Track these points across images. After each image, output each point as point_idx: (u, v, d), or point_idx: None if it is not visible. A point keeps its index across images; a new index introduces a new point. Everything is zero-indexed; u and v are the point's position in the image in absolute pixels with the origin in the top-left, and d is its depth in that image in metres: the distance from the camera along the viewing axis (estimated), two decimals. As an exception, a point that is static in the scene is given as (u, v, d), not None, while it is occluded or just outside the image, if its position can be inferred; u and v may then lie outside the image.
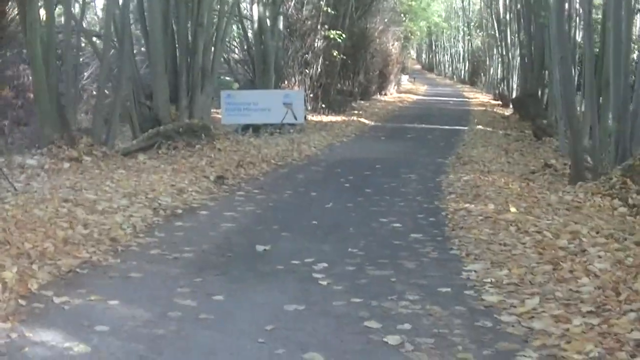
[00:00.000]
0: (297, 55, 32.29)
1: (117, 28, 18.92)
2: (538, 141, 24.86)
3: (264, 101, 25.17)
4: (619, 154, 15.82)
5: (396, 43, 54.32)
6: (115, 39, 19.13)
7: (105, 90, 19.45)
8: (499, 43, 50.04)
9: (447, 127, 30.65)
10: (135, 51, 23.98)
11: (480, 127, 30.06)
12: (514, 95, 42.40)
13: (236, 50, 34.32)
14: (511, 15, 43.86)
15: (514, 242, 9.54)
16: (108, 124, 18.02)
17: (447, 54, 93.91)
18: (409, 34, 64.93)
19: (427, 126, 30.76)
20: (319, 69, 33.43)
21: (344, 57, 34.84)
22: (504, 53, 46.38)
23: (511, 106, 40.77)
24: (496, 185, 14.67)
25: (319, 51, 33.34)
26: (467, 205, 12.44)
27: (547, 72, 31.66)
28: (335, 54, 33.69)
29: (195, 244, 9.30)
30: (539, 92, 32.30)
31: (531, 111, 30.84)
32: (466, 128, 30.19)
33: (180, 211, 11.51)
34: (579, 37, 25.26)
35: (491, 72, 61.36)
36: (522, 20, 36.41)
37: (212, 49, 22.29)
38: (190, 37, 21.70)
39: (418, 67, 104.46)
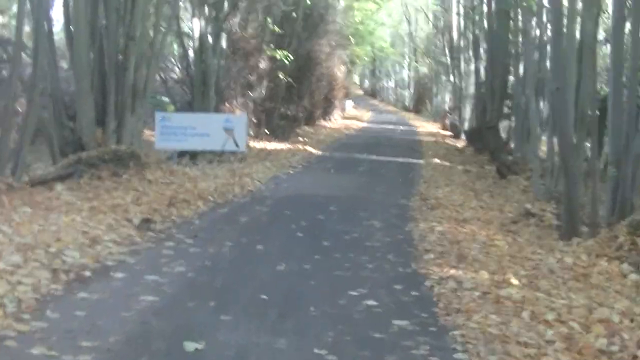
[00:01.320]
0: (240, 76, 29.60)
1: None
2: (502, 179, 22.48)
3: (202, 125, 22.51)
4: (617, 204, 13.43)
5: (342, 67, 51.95)
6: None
7: (18, 108, 16.65)
8: (450, 70, 47.88)
9: (400, 159, 28.14)
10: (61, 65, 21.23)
11: (436, 160, 27.59)
12: (466, 126, 40.27)
13: (174, 68, 31.43)
14: (465, 42, 41.70)
15: (537, 340, 7.00)
16: (17, 150, 15.18)
17: (391, 80, 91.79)
18: (355, 58, 62.63)
19: (379, 158, 28.21)
20: (263, 92, 30.77)
21: (290, 80, 32.17)
22: (456, 81, 44.17)
23: (464, 137, 38.62)
24: (478, 240, 12.24)
25: (263, 72, 30.68)
26: (453, 271, 9.94)
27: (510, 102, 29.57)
28: (281, 76, 31.02)
29: (99, 336, 6.55)
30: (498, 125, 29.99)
31: (490, 144, 28.49)
32: (421, 161, 27.71)
33: (88, 273, 8.73)
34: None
35: (438, 100, 59.29)
36: (480, 47, 34.17)
37: (146, 66, 19.48)
38: (120, 52, 18.90)
39: (360, 92, 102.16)
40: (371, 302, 8.29)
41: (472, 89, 40.51)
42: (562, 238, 13.33)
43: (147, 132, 25.61)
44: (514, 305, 8.17)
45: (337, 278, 9.47)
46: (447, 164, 26.80)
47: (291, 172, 22.27)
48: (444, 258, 10.83)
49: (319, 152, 29.30)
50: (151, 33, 20.59)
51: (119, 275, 8.82)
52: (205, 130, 22.31)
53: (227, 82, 28.54)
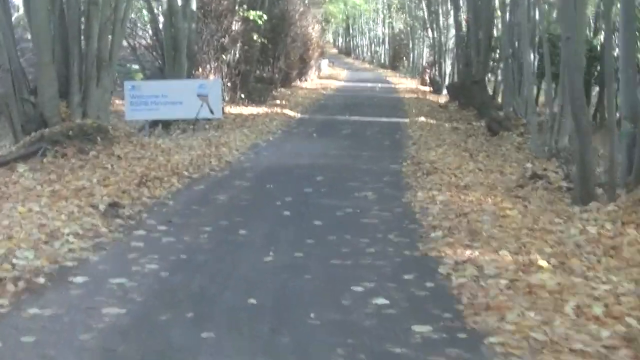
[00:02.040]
0: (213, 39, 27.94)
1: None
2: (494, 136, 21.08)
3: (174, 93, 21.09)
4: (635, 163, 12.02)
5: (316, 26, 50.34)
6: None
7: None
8: (427, 25, 46.35)
9: (384, 119, 26.70)
10: (17, 35, 19.64)
11: (422, 119, 26.11)
12: (447, 81, 38.86)
13: (144, 35, 29.72)
14: (443, -7, 40.25)
15: (594, 346, 5.60)
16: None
17: (366, 38, 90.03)
18: (329, 17, 60.99)
19: (362, 118, 26.72)
20: (237, 55, 29.16)
21: (264, 41, 30.53)
22: (435, 36, 42.65)
23: (445, 93, 37.22)
24: (487, 210, 10.76)
25: (237, 35, 29.05)
26: (468, 252, 8.50)
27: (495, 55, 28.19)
28: (255, 37, 29.39)
29: (47, 373, 5.12)
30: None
31: (476, 100, 27.06)
32: (406, 120, 26.26)
33: (42, 279, 7.23)
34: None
35: (415, 56, 57.77)
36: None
37: (110, 32, 17.87)
38: (83, 19, 17.30)
39: (335, 51, 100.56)
40: (381, 301, 6.86)
41: (451, 43, 39.11)
42: (576, 202, 11.95)
43: (117, 103, 24.18)
44: (551, 297, 6.76)
45: (336, 269, 8.03)
46: (433, 122, 25.36)
47: (271, 138, 20.81)
48: (453, 235, 9.39)
49: (298, 115, 27.81)
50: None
51: (79, 280, 7.33)
52: (177, 98, 20.97)
53: (199, 46, 26.91)
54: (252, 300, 6.78)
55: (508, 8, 23.73)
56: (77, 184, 12.02)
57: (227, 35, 28.40)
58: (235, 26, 28.78)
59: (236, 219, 10.43)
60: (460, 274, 7.69)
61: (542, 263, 7.89)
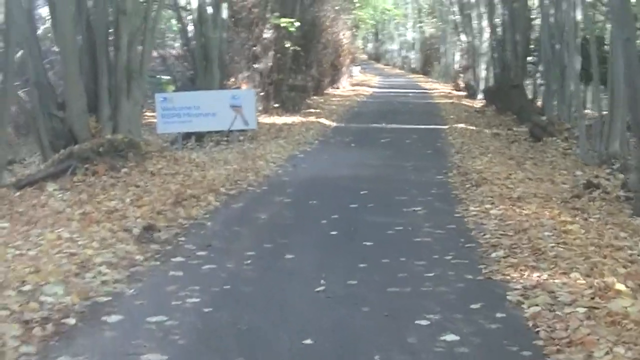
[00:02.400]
0: (244, 48, 27.32)
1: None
2: (537, 142, 20.27)
3: (207, 104, 20.42)
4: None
5: (347, 32, 49.60)
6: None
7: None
8: (460, 29, 45.49)
9: (422, 126, 25.90)
10: (45, 47, 19.07)
11: (461, 125, 25.29)
12: (481, 86, 37.99)
13: (174, 44, 29.11)
14: (477, -4, 39.39)
15: None
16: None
17: (396, 43, 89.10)
18: (359, 23, 60.22)
19: (399, 126, 25.95)
20: (270, 63, 28.47)
21: (297, 48, 29.82)
22: (468, 40, 41.79)
23: (480, 97, 36.42)
24: (546, 225, 10.03)
25: (269, 42, 28.37)
26: (536, 275, 7.78)
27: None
28: (287, 45, 28.68)
29: None
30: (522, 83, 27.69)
31: (515, 104, 26.23)
32: (445, 127, 25.45)
33: (73, 320, 6.55)
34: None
35: (447, 60, 56.89)
36: (503, 1, 31.78)
37: (140, 42, 17.25)
38: (111, 29, 16.66)
39: (364, 57, 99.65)
40: (450, 338, 6.11)
41: (485, 47, 38.26)
42: (637, 213, 11.21)
43: (149, 115, 23.61)
44: (639, 328, 6.00)
45: (395, 298, 7.28)
46: (472, 128, 24.54)
47: (308, 149, 20.06)
48: (516, 255, 8.64)
49: (334, 124, 27.05)
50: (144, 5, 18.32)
51: (114, 318, 6.63)
52: (210, 109, 20.33)
53: (231, 55, 26.28)
54: (308, 341, 6.04)
55: (550, 9, 22.85)
56: (109, 204, 11.38)
57: (258, 44, 27.75)
58: (267, 34, 28.09)
59: (280, 241, 9.71)
60: (532, 302, 6.94)
61: (620, 287, 7.12)
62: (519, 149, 19.14)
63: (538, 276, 7.71)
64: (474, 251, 9.09)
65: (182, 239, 9.88)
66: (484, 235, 9.82)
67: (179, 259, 8.81)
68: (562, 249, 8.65)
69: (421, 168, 16.33)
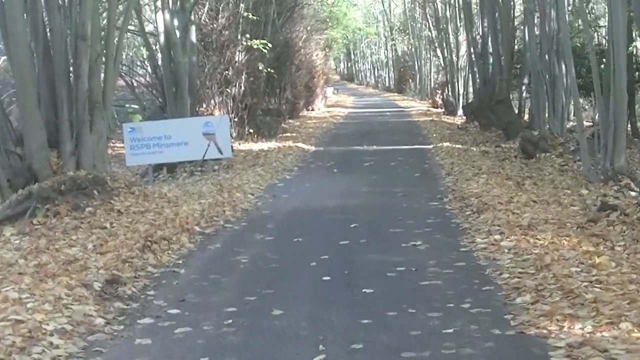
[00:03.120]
0: (216, 72, 25.92)
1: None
2: (530, 159, 18.98)
3: (178, 133, 19.11)
4: None
5: (320, 53, 48.35)
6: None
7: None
8: (435, 45, 44.35)
9: (405, 146, 24.54)
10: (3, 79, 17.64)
11: (446, 144, 23.94)
12: (461, 102, 36.86)
13: (142, 72, 27.68)
14: (452, 11, 38.19)
15: None
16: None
17: (368, 62, 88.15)
18: (331, 43, 59.07)
19: (381, 147, 24.58)
20: (242, 87, 27.07)
21: (270, 71, 28.40)
22: (445, 55, 40.61)
23: (461, 114, 35.27)
24: (570, 258, 8.72)
25: (241, 66, 26.96)
26: (578, 327, 6.49)
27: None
28: (260, 67, 27.26)
29: None
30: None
31: (502, 120, 24.93)
32: (430, 147, 24.12)
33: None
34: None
35: (423, 77, 55.81)
36: (472, 13, 30.62)
37: (103, 70, 15.81)
38: (70, 57, 15.22)
39: (337, 77, 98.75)
40: None
41: (463, 61, 37.18)
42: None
43: (118, 147, 22.21)
44: None
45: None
46: (458, 146, 23.20)
47: (287, 177, 18.68)
48: (545, 299, 7.29)
49: (313, 148, 25.66)
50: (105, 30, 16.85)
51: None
52: (182, 138, 19.03)
53: (202, 81, 24.88)
54: None
55: (535, 18, 21.62)
56: (68, 252, 9.95)
57: (230, 67, 26.35)
58: (239, 57, 26.70)
59: (265, 292, 8.28)
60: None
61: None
62: (513, 168, 17.82)
63: (581, 328, 6.37)
64: (493, 296, 7.72)
65: (151, 292, 8.46)
66: (501, 274, 8.47)
67: (147, 320, 7.39)
68: (598, 290, 7.34)
69: (413, 194, 14.98)
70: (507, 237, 10.09)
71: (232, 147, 21.00)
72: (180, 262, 9.94)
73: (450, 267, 8.98)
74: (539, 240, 9.79)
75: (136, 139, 18.72)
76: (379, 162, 20.83)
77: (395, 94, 66.74)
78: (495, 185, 14.83)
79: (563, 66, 20.06)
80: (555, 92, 20.34)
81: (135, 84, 25.54)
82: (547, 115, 20.78)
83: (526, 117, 26.57)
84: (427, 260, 9.41)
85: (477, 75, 31.00)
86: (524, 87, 26.27)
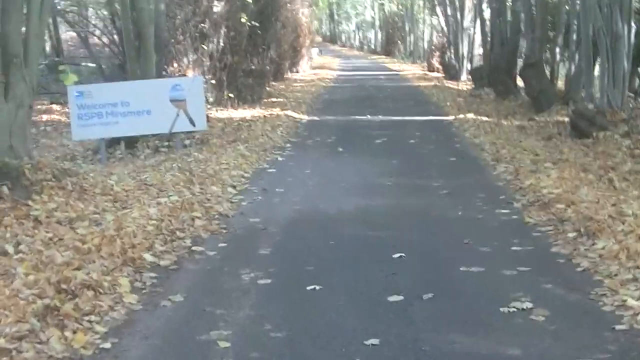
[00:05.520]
0: (190, 25, 21.14)
1: None
2: (586, 139, 14.49)
3: (139, 99, 14.84)
4: None
5: (306, 10, 43.53)
6: None
7: None
8: (435, 2, 39.65)
9: (418, 117, 19.97)
10: None
11: (470, 115, 19.31)
12: (465, 65, 32.47)
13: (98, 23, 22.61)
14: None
15: None
16: None
17: (352, 24, 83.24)
18: (316, 1, 54.35)
19: (389, 118, 20.01)
20: (222, 43, 22.32)
21: (254, 24, 23.44)
22: (449, 13, 35.90)
23: (466, 79, 30.91)
24: None
25: (219, 18, 22.18)
26: None
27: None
28: (243, 20, 22.33)
29: None
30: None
31: (533, 87, 20.34)
32: (449, 118, 19.56)
33: None
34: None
35: (416, 39, 51.23)
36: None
37: (23, 15, 11.04)
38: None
39: (319, 39, 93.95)
40: None
41: (469, 20, 32.68)
42: None
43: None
44: None
45: None
46: (484, 119, 18.65)
47: (279, 158, 14.07)
48: None
49: (306, 117, 20.98)
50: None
51: None
52: (144, 105, 14.88)
53: (173, 34, 20.09)
54: None
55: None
56: None
57: (207, 19, 21.56)
58: (218, 7, 21.88)
59: None
60: None
61: None
62: (575, 152, 13.24)
63: None
64: None
65: None
66: None
67: None
68: None
69: (461, 192, 10.44)
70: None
71: (207, 116, 16.44)
72: (109, 346, 5.34)
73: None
74: None
75: (85, 106, 14.49)
76: (394, 138, 16.22)
77: (383, 56, 62.05)
78: (573, 179, 10.31)
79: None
80: (617, 56, 15.77)
81: (87, 38, 20.70)
82: (605, 83, 16.13)
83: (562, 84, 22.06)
84: (545, 337, 4.98)
85: (491, 35, 26.44)
86: (557, 50, 21.62)
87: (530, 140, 14.91)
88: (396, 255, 7.29)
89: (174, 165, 12.77)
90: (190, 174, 11.71)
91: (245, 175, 12.05)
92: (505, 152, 13.18)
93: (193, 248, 7.89)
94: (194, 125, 14.97)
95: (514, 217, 8.90)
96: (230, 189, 10.87)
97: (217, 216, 9.29)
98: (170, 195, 10.07)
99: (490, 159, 12.99)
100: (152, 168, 12.68)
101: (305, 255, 7.51)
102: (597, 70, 17.52)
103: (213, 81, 21.67)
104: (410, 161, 13.29)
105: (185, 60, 21.14)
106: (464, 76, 32.54)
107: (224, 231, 8.66)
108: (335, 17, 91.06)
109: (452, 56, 35.17)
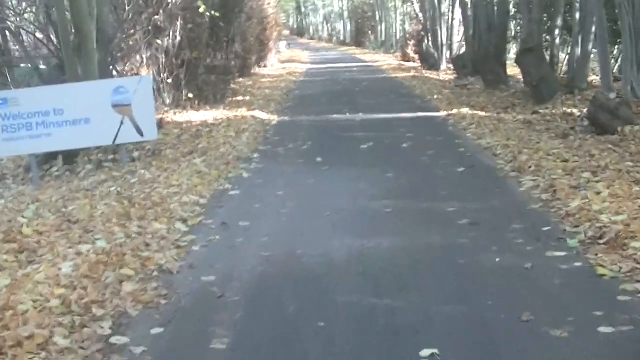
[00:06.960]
0: (141, 17, 18.27)
1: None
2: (610, 135, 11.84)
3: (76, 105, 12.12)
4: None
5: (272, 1, 40.72)
6: None
7: None
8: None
9: (405, 114, 17.15)
10: None
11: (465, 110, 16.57)
12: (444, 53, 29.91)
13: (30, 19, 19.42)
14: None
15: None
16: None
17: (320, 16, 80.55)
18: (282, -8, 51.68)
19: (372, 117, 17.20)
20: (179, 37, 19.44)
21: (215, 15, 20.49)
22: (424, -2, 33.31)
23: (446, 68, 28.39)
24: None
25: (175, 9, 19.31)
26: None
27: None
28: (202, 10, 19.35)
29: None
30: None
31: (532, 74, 17.59)
32: (441, 114, 16.78)
33: None
34: None
35: (387, 28, 48.57)
36: None
37: None
38: None
39: (286, 32, 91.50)
40: None
41: (447, 5, 30.09)
42: None
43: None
44: None
45: None
46: (482, 113, 15.95)
47: (245, 174, 11.16)
48: None
49: (276, 118, 18.07)
50: None
51: None
52: (81, 112, 12.18)
53: (121, 28, 17.18)
54: None
55: None
56: None
57: (161, 10, 18.67)
58: (173, -2, 19.04)
59: None
60: None
61: None
62: (601, 153, 10.55)
63: None
64: None
65: None
66: None
67: None
68: None
69: (487, 220, 7.65)
70: None
71: (161, 121, 13.64)
72: None
73: None
74: None
75: (10, 116, 11.99)
76: (382, 142, 13.38)
77: (354, 47, 59.49)
78: (628, 199, 7.58)
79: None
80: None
81: (19, 33, 17.74)
82: (629, 69, 13.45)
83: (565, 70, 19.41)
84: None
85: (474, 19, 23.80)
86: (557, 32, 18.89)
87: (545, 139, 12.19)
88: (426, 354, 4.51)
89: (112, 189, 9.98)
90: (130, 202, 8.91)
91: (201, 201, 9.25)
92: (525, 159, 10.40)
93: (112, 340, 5.09)
94: (141, 134, 12.29)
95: (577, 264, 6.14)
96: (179, 225, 8.08)
97: (155, 273, 6.50)
98: (98, 239, 7.29)
99: (509, 168, 10.21)
100: (86, 194, 9.90)
101: (283, 354, 4.73)
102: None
103: (170, 80, 18.84)
104: (408, 174, 10.46)
105: (138, 57, 18.29)
106: (444, 65, 30.08)
107: (163, 302, 5.86)
108: (303, 9, 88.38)
109: (430, 44, 32.48)
